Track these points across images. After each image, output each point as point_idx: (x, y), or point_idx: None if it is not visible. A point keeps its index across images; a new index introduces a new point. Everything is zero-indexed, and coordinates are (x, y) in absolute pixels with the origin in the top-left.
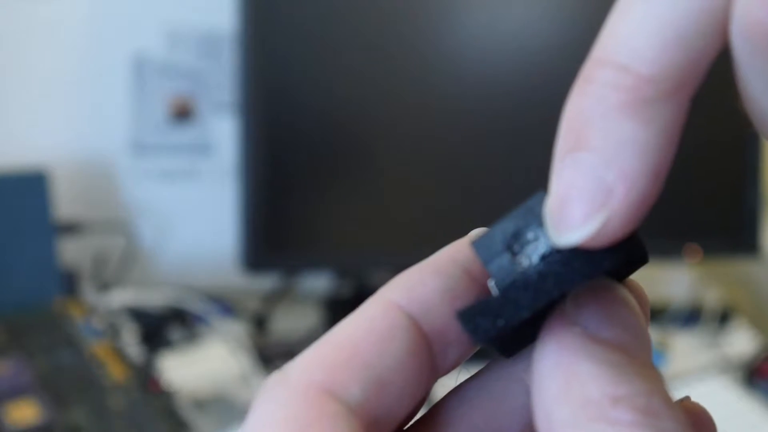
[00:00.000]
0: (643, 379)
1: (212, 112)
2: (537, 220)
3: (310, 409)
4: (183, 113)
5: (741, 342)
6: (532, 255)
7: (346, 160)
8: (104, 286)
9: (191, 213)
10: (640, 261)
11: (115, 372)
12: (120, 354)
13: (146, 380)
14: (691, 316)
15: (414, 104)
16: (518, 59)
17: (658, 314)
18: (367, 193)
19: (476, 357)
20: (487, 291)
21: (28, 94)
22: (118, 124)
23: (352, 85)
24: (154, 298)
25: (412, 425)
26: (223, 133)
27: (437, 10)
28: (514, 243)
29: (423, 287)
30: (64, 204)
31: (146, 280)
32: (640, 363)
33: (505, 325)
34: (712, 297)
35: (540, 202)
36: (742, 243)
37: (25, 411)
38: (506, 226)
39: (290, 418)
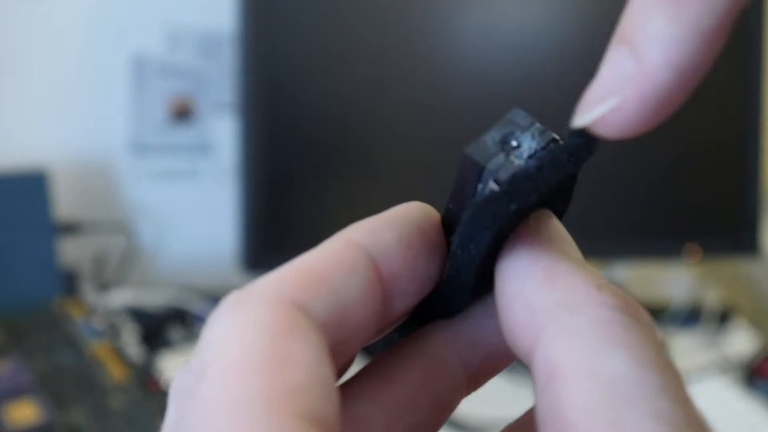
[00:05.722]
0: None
1: (212, 112)
2: (518, 128)
3: (281, 319)
4: (183, 113)
5: (741, 342)
6: (520, 156)
7: (345, 160)
8: (104, 286)
9: (191, 213)
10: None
11: (115, 372)
12: (120, 354)
13: (146, 380)
14: (690, 316)
15: (414, 104)
16: (519, 60)
17: (657, 314)
18: (367, 192)
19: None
20: (441, 241)
21: (28, 94)
22: (118, 124)
23: (351, 84)
24: (154, 298)
25: (350, 379)
26: (223, 133)
27: (438, 11)
28: (503, 147)
29: (381, 233)
30: (64, 204)
31: (146, 280)
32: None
33: (517, 209)
34: (712, 297)
35: (517, 114)
36: (742, 243)
37: (25, 411)
38: (493, 134)
39: (261, 327)
